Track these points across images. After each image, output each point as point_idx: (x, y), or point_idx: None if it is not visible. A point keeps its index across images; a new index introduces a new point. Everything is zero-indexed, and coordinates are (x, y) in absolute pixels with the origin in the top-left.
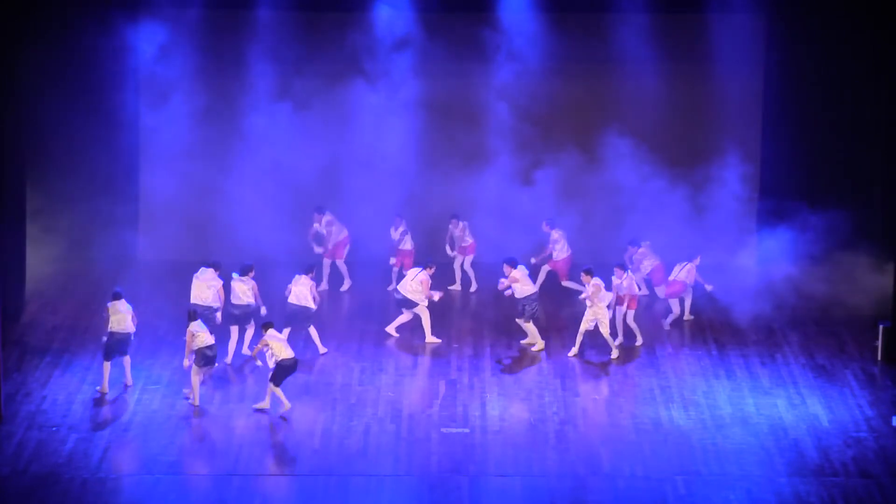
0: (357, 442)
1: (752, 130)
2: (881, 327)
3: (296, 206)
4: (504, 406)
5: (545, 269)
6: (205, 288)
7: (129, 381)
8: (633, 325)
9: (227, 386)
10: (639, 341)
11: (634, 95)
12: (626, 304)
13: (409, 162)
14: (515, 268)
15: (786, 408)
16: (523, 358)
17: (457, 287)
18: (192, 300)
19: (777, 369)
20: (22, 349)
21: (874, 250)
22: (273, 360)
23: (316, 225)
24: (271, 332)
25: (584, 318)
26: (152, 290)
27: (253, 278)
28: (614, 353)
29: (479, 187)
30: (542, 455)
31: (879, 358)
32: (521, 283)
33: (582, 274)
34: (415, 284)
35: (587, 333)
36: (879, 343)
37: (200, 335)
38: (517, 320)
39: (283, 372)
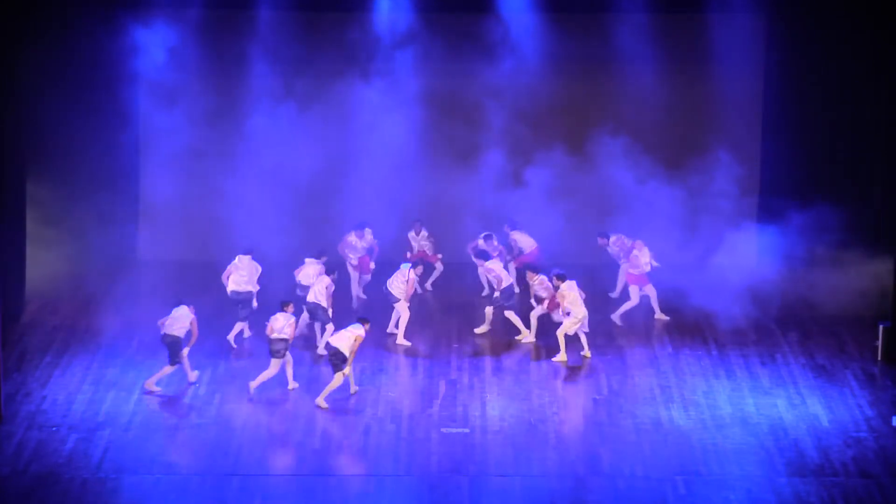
0: (357, 442)
1: (751, 130)
2: (881, 327)
3: (296, 206)
4: (504, 406)
5: (513, 266)
6: (244, 274)
7: (150, 385)
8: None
9: (227, 386)
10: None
11: (635, 95)
12: (545, 305)
13: (410, 161)
14: (488, 261)
15: (786, 408)
16: (523, 358)
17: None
18: (233, 287)
19: (777, 369)
20: (22, 349)
21: (874, 250)
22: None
23: (363, 240)
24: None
25: (571, 322)
26: (152, 290)
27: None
28: (586, 353)
29: (480, 186)
30: (542, 455)
31: (879, 358)
32: (499, 275)
33: (554, 279)
34: (400, 283)
35: (584, 335)
36: (879, 343)
37: (279, 327)
38: (504, 313)
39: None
